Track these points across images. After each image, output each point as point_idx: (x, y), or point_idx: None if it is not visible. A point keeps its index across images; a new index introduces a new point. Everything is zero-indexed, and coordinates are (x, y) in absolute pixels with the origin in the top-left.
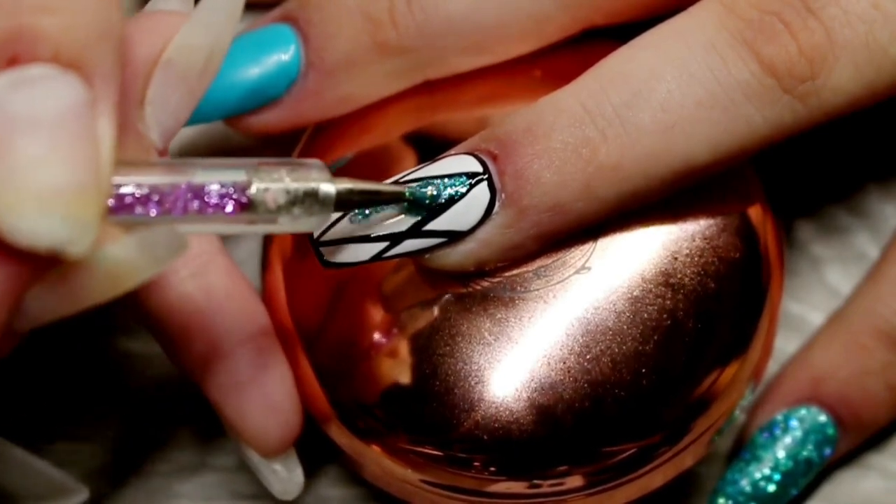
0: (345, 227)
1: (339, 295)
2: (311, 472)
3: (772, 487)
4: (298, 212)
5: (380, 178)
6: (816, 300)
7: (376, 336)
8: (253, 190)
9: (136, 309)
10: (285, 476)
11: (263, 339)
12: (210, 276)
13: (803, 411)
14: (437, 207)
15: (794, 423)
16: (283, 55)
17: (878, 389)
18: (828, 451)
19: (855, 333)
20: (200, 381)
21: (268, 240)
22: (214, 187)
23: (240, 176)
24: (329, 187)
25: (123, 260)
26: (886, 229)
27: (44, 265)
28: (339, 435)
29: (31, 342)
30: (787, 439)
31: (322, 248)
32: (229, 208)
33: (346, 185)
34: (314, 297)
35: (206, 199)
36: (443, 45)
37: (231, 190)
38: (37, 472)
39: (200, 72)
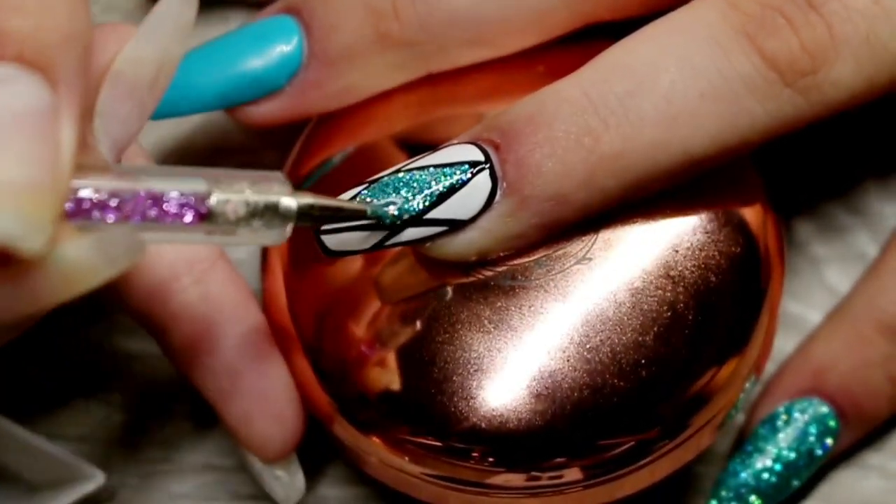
0: None
1: (339, 286)
2: (312, 472)
3: (773, 478)
4: (258, 224)
5: (381, 169)
6: (816, 300)
7: (376, 326)
8: (213, 200)
9: (139, 316)
10: (287, 482)
11: (264, 345)
12: (211, 283)
13: (805, 403)
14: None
15: (796, 414)
16: (286, 46)
17: (880, 381)
18: (830, 442)
19: (856, 325)
20: (203, 387)
21: None
22: (174, 195)
23: (200, 186)
24: (290, 201)
25: (79, 260)
26: (886, 229)
27: None
28: (340, 428)
29: (31, 342)
30: (789, 431)
31: (323, 237)
32: (188, 217)
33: (307, 199)
34: (314, 289)
35: (165, 208)
36: (445, 37)
37: (191, 199)
38: (54, 458)
39: (150, 84)
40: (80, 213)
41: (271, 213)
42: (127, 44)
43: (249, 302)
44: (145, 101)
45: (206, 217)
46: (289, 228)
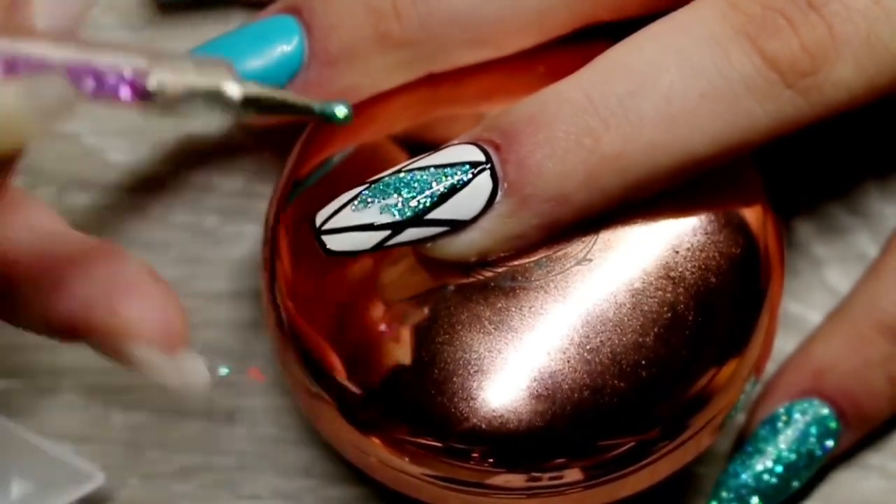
0: (347, 215)
1: (339, 286)
2: (312, 471)
3: (774, 480)
4: (198, 107)
5: (382, 169)
6: (816, 300)
7: (376, 327)
8: (153, 78)
9: None
10: (182, 368)
11: (106, 247)
12: (19, 214)
13: (805, 404)
14: (433, 194)
15: (796, 415)
16: (286, 46)
17: (880, 382)
18: (830, 443)
19: (856, 326)
20: (62, 309)
21: (268, 237)
22: (112, 68)
23: (141, 62)
24: (234, 87)
25: (7, 107)
26: (886, 229)
27: None
28: (340, 428)
29: (30, 342)
30: (790, 432)
31: (324, 237)
32: (124, 93)
33: (253, 89)
34: (314, 291)
35: (103, 80)
36: (446, 37)
37: (131, 75)
38: (54, 458)
39: None
40: (11, 74)
41: (213, 96)
42: None
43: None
44: None
45: (144, 95)
46: (230, 116)
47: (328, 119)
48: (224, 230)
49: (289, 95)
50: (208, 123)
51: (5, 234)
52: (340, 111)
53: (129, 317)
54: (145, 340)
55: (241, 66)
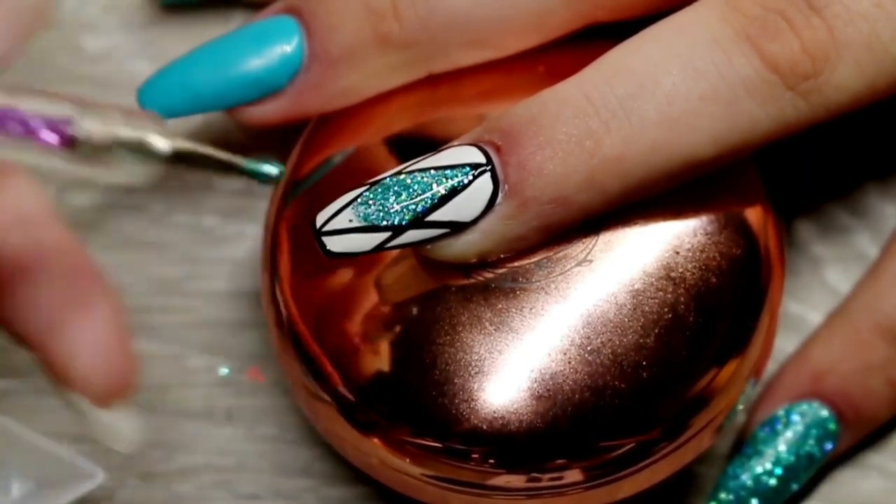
0: (347, 216)
1: (340, 287)
2: (312, 472)
3: (773, 482)
4: (123, 157)
5: (382, 170)
6: (816, 300)
7: (377, 328)
8: (80, 126)
9: None
10: (118, 426)
11: (84, 279)
12: (8, 199)
13: (805, 406)
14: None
15: (795, 417)
16: (287, 47)
17: (879, 385)
18: (829, 445)
19: (856, 329)
20: (19, 325)
21: (268, 237)
22: (39, 116)
23: (67, 110)
24: (160, 141)
25: None
26: (886, 229)
27: None
28: (340, 429)
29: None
30: (789, 434)
31: (324, 238)
32: (51, 138)
33: (179, 143)
34: (315, 290)
35: (30, 126)
36: (446, 38)
37: (58, 121)
38: (54, 457)
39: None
40: None
41: (139, 149)
42: None
43: (59, 225)
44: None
45: (70, 142)
46: (157, 168)
47: (256, 177)
48: (224, 230)
49: (215, 151)
50: (133, 174)
51: None
52: (270, 170)
53: (81, 369)
54: (93, 398)
55: (241, 66)
